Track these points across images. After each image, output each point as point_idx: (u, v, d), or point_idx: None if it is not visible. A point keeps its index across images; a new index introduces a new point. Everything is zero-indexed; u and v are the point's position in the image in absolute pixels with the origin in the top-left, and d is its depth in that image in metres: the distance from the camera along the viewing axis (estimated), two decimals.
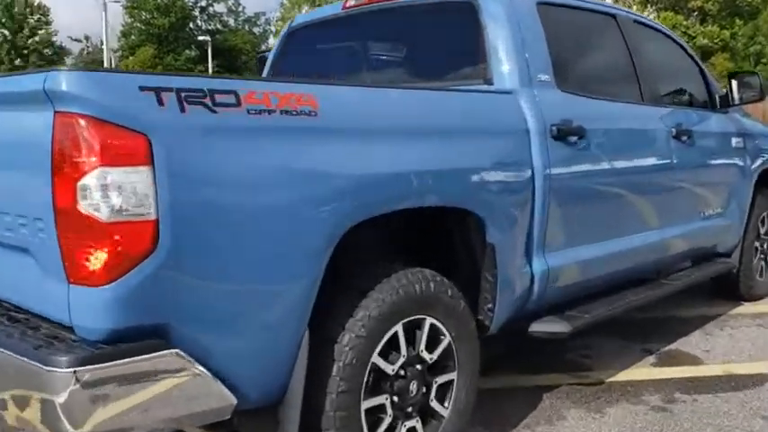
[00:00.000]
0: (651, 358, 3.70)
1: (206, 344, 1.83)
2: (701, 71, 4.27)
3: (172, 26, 39.75)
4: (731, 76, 4.22)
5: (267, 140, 1.93)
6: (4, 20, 35.32)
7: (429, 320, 2.39)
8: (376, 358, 2.22)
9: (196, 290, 1.80)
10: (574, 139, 2.92)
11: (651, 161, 3.51)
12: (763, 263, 4.78)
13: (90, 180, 1.65)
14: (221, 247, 1.82)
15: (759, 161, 4.51)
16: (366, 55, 3.74)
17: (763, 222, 4.73)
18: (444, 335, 2.45)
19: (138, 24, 40.49)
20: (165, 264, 1.71)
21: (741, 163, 4.33)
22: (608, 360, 3.64)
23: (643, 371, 3.53)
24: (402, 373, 2.32)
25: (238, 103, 1.87)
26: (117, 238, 1.66)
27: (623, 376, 3.44)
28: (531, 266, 2.83)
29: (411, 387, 2.35)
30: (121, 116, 1.68)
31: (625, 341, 3.94)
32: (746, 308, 4.62)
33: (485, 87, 2.87)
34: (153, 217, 1.69)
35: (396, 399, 2.31)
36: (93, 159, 1.64)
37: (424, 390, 2.41)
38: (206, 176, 1.79)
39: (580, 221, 3.07)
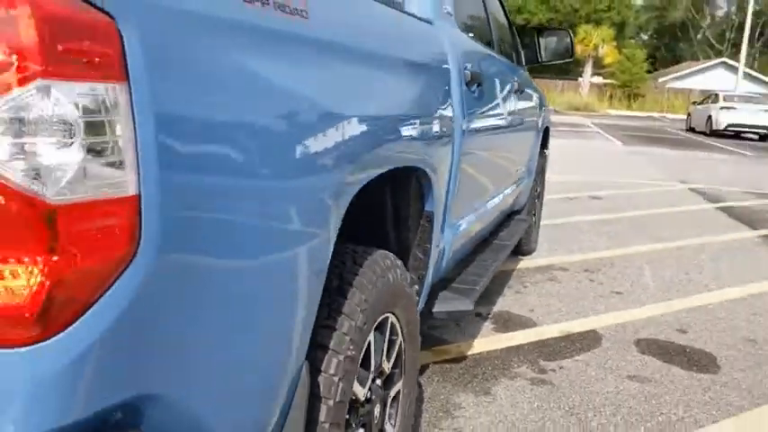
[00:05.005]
0: (488, 323, 3.52)
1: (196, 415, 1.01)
2: (510, 26, 4.15)
3: None
4: (539, 32, 4.14)
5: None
6: None
7: (390, 319, 1.78)
8: (354, 383, 1.55)
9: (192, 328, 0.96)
10: (474, 87, 2.49)
11: (509, 115, 3.25)
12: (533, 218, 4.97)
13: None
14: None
15: (543, 117, 4.61)
16: None
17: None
18: (397, 334, 1.86)
19: None
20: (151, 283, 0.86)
21: (538, 119, 4.37)
22: (450, 329, 3.37)
23: (491, 339, 3.33)
24: (369, 395, 1.70)
25: None
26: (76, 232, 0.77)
27: (479, 347, 3.20)
28: (443, 233, 2.36)
29: (375, 411, 1.73)
30: None
31: None
32: (526, 262, 4.77)
33: None
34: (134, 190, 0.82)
35: None
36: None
37: (380, 410, 1.82)
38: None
39: (475, 181, 2.68)
